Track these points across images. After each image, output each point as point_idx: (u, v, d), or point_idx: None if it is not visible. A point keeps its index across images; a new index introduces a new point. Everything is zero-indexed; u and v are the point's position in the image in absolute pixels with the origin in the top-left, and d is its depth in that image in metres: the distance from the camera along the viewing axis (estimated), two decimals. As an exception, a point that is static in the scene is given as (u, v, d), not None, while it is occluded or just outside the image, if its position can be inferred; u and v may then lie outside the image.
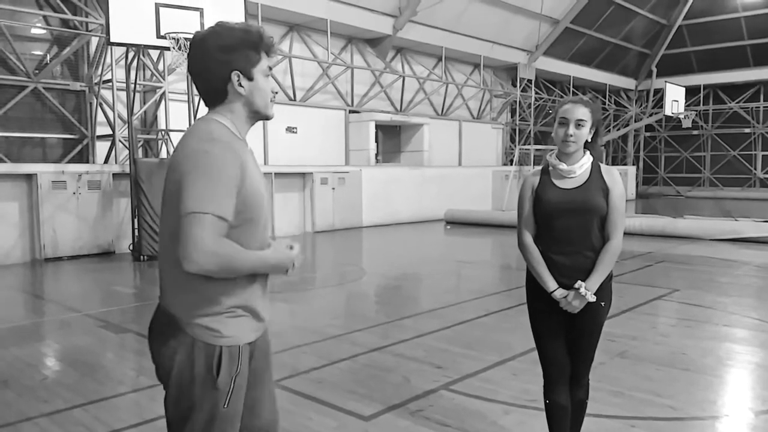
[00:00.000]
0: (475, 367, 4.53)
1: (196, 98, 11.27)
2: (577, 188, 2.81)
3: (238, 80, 1.95)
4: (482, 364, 4.59)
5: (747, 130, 27.67)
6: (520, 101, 21.87)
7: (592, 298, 2.77)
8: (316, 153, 15.80)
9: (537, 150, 20.93)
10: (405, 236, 14.29)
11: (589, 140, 2.84)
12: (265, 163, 14.56)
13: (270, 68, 2.04)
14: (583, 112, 2.79)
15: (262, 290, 2.05)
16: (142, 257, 10.26)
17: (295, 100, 15.52)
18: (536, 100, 22.80)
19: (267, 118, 2.08)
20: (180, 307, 1.88)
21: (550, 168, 2.87)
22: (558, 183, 2.84)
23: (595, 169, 2.83)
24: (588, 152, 2.85)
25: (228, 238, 1.83)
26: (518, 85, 21.60)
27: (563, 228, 2.80)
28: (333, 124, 16.57)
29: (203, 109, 10.09)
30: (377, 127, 17.17)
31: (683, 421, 3.69)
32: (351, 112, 16.93)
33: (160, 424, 3.60)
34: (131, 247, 10.72)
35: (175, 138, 11.50)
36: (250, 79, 1.97)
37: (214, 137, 1.87)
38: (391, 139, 18.97)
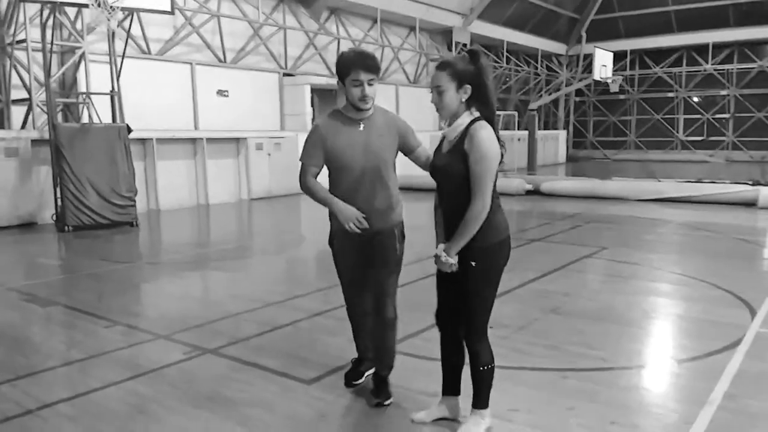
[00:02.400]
0: (417, 327, 4.57)
1: (119, 59, 10.70)
2: (447, 152, 2.83)
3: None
4: (423, 324, 4.62)
5: (670, 95, 28.83)
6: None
7: (450, 262, 2.77)
8: (249, 118, 15.37)
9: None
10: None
11: (466, 99, 2.76)
12: (195, 128, 14.07)
13: (356, 80, 3.12)
14: (438, 77, 2.77)
15: (357, 208, 3.20)
16: (66, 227, 9.77)
17: (225, 61, 14.96)
18: (471, 64, 22.88)
19: (356, 106, 3.19)
20: None
21: None
22: (443, 147, 2.90)
23: (465, 133, 2.75)
24: (470, 113, 2.78)
25: (330, 176, 3.30)
26: (454, 49, 21.62)
27: (442, 191, 2.93)
28: (267, 88, 16.12)
29: (126, 71, 9.76)
30: (313, 90, 16.83)
31: (612, 371, 3.86)
32: (285, 75, 16.51)
33: (94, 398, 3.47)
34: (54, 218, 10.19)
35: (97, 101, 10.90)
36: (343, 83, 3.19)
37: (316, 121, 3.42)
38: (328, 104, 18.64)
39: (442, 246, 2.84)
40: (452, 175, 2.78)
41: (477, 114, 2.79)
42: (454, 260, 2.80)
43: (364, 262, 3.37)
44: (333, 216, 3.30)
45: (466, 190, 2.73)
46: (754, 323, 4.66)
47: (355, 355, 3.74)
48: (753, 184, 12.30)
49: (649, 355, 4.24)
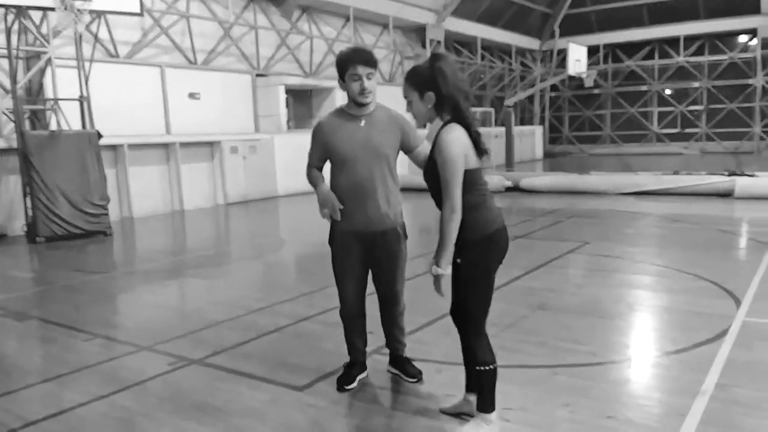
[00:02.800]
0: (407, 328, 4.48)
1: (87, 64, 10.47)
2: (428, 160, 2.86)
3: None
4: (413, 326, 4.56)
5: (644, 88, 29.23)
6: (430, 63, 21.89)
7: (440, 272, 2.77)
8: (223, 120, 15.16)
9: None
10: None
11: (432, 107, 2.77)
12: (167, 132, 13.83)
13: (355, 74, 3.22)
14: (404, 88, 2.84)
15: (354, 209, 3.32)
16: (38, 238, 9.52)
17: (196, 63, 14.74)
18: (446, 62, 22.92)
19: (357, 102, 3.29)
20: None
21: None
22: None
23: (435, 139, 2.77)
24: (440, 119, 2.79)
25: (333, 170, 3.41)
26: (428, 46, 21.63)
27: (433, 198, 2.91)
28: (239, 89, 15.91)
29: (94, 75, 9.52)
30: (287, 91, 16.69)
31: (603, 366, 3.85)
32: (258, 75, 16.33)
33: (79, 413, 3.36)
34: (25, 228, 9.93)
35: (66, 107, 10.65)
36: (343, 80, 3.28)
37: (318, 119, 3.67)
38: (303, 104, 18.53)
39: (432, 260, 2.80)
40: (432, 183, 2.80)
41: (448, 117, 2.77)
42: (445, 270, 2.77)
43: (369, 263, 3.45)
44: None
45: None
46: (739, 313, 4.69)
47: (347, 359, 3.68)
48: (729, 175, 12.49)
49: (637, 348, 4.24)
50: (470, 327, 2.94)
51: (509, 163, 21.95)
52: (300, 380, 3.67)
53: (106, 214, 10.26)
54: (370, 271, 3.51)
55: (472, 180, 2.75)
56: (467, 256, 2.82)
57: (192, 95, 14.48)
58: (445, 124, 2.76)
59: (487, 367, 2.89)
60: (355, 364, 3.61)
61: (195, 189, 13.74)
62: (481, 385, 2.92)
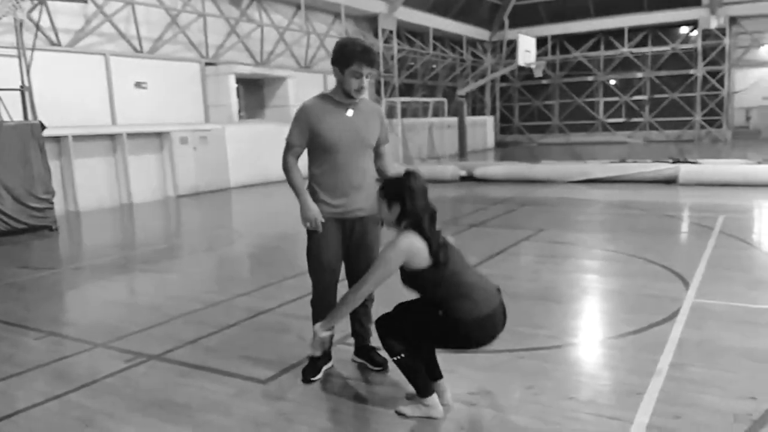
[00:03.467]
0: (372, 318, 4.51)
1: (28, 52, 10.01)
2: None
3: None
4: (375, 314, 4.58)
5: (590, 78, 29.97)
6: (383, 53, 21.90)
7: (318, 331, 3.10)
8: (171, 110, 14.77)
9: (403, 102, 21.21)
10: (278, 196, 13.92)
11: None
12: (113, 123, 13.39)
13: (357, 71, 3.25)
14: (377, 195, 3.11)
15: (333, 191, 3.39)
16: (-19, 234, 9.11)
17: (142, 51, 14.29)
18: (399, 51, 22.97)
19: (348, 95, 3.33)
20: None
21: None
22: None
23: None
24: (399, 229, 3.01)
25: (312, 156, 3.43)
26: (380, 35, 21.59)
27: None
28: (188, 78, 15.53)
29: (36, 65, 9.12)
30: (238, 80, 16.38)
31: (562, 348, 3.95)
32: (207, 64, 15.97)
33: (35, 413, 3.23)
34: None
35: (6, 98, 10.15)
36: (342, 72, 3.28)
37: (303, 102, 3.42)
38: (254, 94, 18.24)
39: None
40: (411, 285, 3.00)
41: (407, 225, 2.95)
42: (319, 332, 3.05)
43: (345, 249, 3.49)
44: (312, 198, 3.40)
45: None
46: (688, 294, 4.88)
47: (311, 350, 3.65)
48: (673, 162, 12.95)
49: (594, 331, 4.36)
50: (392, 332, 2.99)
51: (462, 153, 22.18)
52: (263, 373, 3.62)
53: (51, 209, 9.88)
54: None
55: (434, 278, 2.89)
56: (445, 320, 2.88)
57: (138, 84, 14.05)
58: (400, 233, 2.95)
59: (401, 356, 2.96)
60: (321, 354, 3.58)
61: (144, 181, 13.37)
62: (405, 375, 3.02)
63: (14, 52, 10.19)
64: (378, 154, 3.57)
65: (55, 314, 5.29)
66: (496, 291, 3.03)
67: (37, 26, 11.41)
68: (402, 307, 3.09)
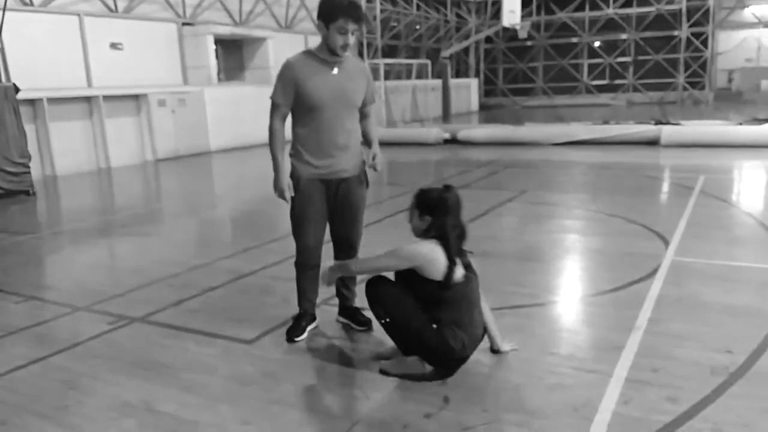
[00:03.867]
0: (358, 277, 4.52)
1: (0, 13, 9.66)
2: None
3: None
4: (359, 278, 4.60)
5: (575, 40, 29.77)
6: (366, 13, 21.46)
7: (331, 265, 3.26)
8: (148, 72, 14.42)
9: (387, 64, 20.92)
10: (258, 159, 13.77)
11: None
12: (89, 86, 13.06)
13: (343, 27, 3.11)
14: (410, 204, 3.13)
15: (318, 152, 3.32)
16: (-44, 199, 8.93)
17: (116, 11, 13.86)
18: (382, 12, 22.55)
19: (333, 52, 3.20)
20: None
21: None
22: None
23: None
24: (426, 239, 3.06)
25: (296, 115, 3.33)
26: (363, -3, 21.14)
27: None
28: (165, 39, 15.13)
29: (9, 26, 8.86)
30: (216, 41, 16.02)
31: (544, 306, 4.01)
32: (184, 24, 15.57)
33: (18, 376, 3.21)
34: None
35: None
36: (326, 27, 3.15)
37: (288, 58, 3.29)
38: (233, 55, 17.86)
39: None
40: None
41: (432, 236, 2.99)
42: (330, 269, 3.19)
43: (330, 210, 3.44)
44: (297, 159, 3.36)
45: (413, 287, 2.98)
46: (668, 252, 4.95)
47: (294, 312, 3.65)
48: (655, 124, 12.99)
49: (575, 289, 4.42)
50: (383, 304, 3.06)
51: (446, 116, 22.08)
52: (248, 334, 3.63)
53: (28, 173, 9.70)
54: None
55: (438, 296, 2.92)
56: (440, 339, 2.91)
57: (114, 45, 13.68)
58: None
59: (386, 320, 3.03)
60: (305, 315, 3.59)
61: (122, 145, 13.15)
62: (390, 336, 3.11)
63: (-15, 11, 9.84)
64: (363, 114, 3.50)
65: (35, 278, 5.23)
66: (479, 338, 3.08)
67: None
68: (401, 285, 3.04)
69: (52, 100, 11.73)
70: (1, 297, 4.59)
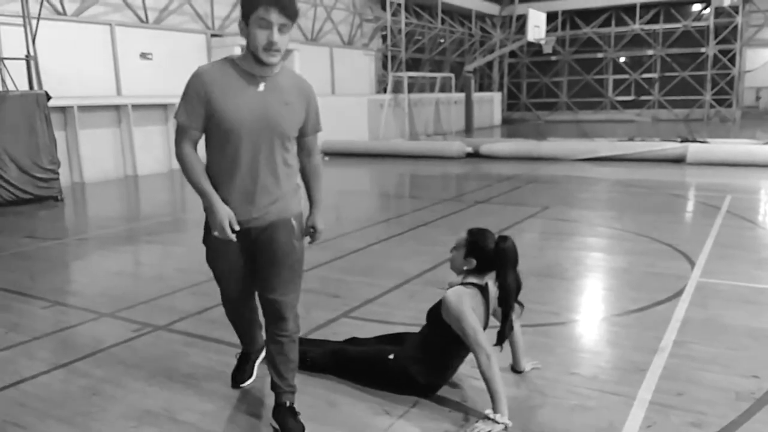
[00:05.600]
0: (373, 293, 4.53)
1: (34, 21, 9.93)
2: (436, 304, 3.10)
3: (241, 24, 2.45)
4: (379, 290, 4.60)
5: (600, 55, 29.61)
6: (390, 26, 21.65)
7: (503, 420, 2.70)
8: (177, 82, 14.48)
9: (410, 77, 20.99)
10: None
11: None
12: (118, 94, 13.31)
13: (264, 19, 2.34)
14: (460, 236, 3.03)
15: (233, 195, 2.55)
16: (-13, 204, 9.14)
17: (147, 22, 14.14)
18: (407, 25, 22.69)
19: (258, 60, 2.43)
20: None
21: None
22: None
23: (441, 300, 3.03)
24: (463, 282, 3.00)
25: (209, 143, 2.56)
26: (388, 8, 21.32)
27: None
28: (193, 50, 15.36)
29: (42, 34, 8.92)
30: (244, 53, 16.23)
31: (565, 325, 3.97)
32: (213, 36, 15.82)
33: (42, 381, 3.27)
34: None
35: (12, 67, 10.11)
36: (246, 24, 2.40)
37: (198, 67, 2.52)
38: (260, 67, 18.06)
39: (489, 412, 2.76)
40: (436, 330, 2.97)
41: (470, 282, 2.92)
42: (505, 420, 2.68)
43: (250, 266, 2.71)
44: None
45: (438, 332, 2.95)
46: (694, 273, 4.87)
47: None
48: (681, 141, 12.84)
49: (598, 308, 4.36)
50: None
51: (468, 129, 22.07)
52: (269, 344, 3.64)
53: (57, 179, 9.89)
54: None
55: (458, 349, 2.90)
56: (408, 370, 2.96)
57: (144, 55, 13.94)
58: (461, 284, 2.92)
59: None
60: (249, 355, 3.19)
61: (149, 153, 13.35)
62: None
63: (20, 21, 10.11)
64: (301, 147, 2.71)
65: (60, 284, 5.32)
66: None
67: (42, -5, 11.28)
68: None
69: (83, 108, 11.98)
70: (27, 302, 4.68)
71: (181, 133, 2.52)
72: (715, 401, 2.86)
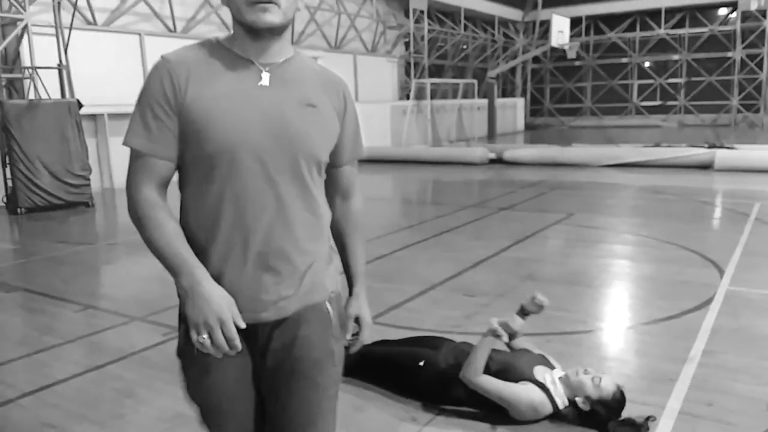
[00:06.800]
0: (398, 299, 4.56)
1: (66, 31, 10.18)
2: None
3: None
4: (405, 296, 4.63)
5: (624, 60, 29.33)
6: (413, 33, 21.72)
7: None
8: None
9: (433, 84, 21.03)
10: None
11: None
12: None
13: None
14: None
15: (228, 269, 1.45)
16: (19, 209, 9.36)
17: (175, 31, 14.41)
18: (429, 32, 22.74)
19: (251, 29, 1.42)
20: None
21: None
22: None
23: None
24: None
25: (190, 176, 1.47)
26: (411, 16, 21.40)
27: None
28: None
29: (73, 44, 9.06)
30: (269, 61, 16.45)
31: (592, 333, 3.95)
32: (240, 45, 16.05)
33: (75, 383, 3.35)
34: (5, 200, 9.74)
35: (44, 76, 10.37)
36: None
37: (162, 56, 1.46)
38: (285, 75, 18.26)
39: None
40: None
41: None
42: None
43: (259, 389, 1.58)
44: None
45: None
46: (723, 281, 4.81)
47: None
48: (709, 147, 12.66)
49: (625, 316, 4.33)
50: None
51: (491, 135, 22.01)
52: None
53: (88, 185, 10.10)
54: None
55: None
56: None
57: (169, 64, 14.18)
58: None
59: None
60: None
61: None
62: None
63: (52, 31, 10.37)
64: (335, 182, 1.65)
65: (92, 288, 5.44)
66: None
67: (75, 6, 11.57)
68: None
69: (113, 116, 12.22)
70: (61, 305, 4.80)
71: (138, 167, 1.45)
72: (745, 411, 2.82)
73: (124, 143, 1.47)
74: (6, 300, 5.09)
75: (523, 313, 2.96)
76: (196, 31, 14.98)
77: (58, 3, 10.06)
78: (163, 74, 1.42)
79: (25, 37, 10.46)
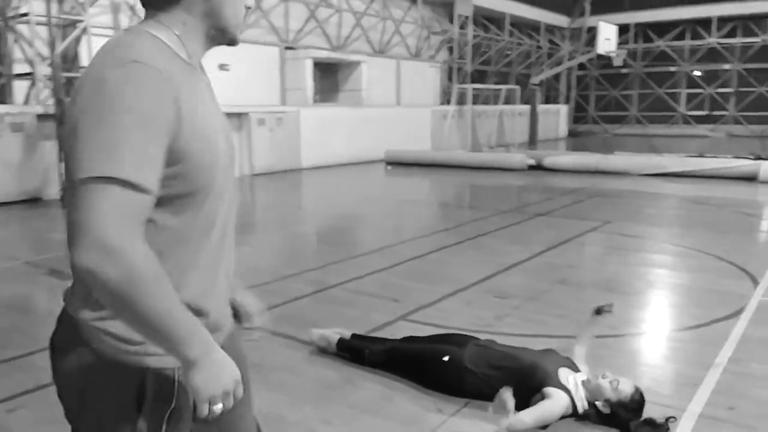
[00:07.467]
0: (430, 298, 4.71)
1: (124, 34, 10.67)
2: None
3: None
4: (436, 296, 4.77)
5: (673, 69, 28.75)
6: (458, 39, 21.81)
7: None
8: (251, 92, 15.33)
9: (475, 89, 21.08)
10: (346, 177, 14.30)
11: None
12: (199, 104, 14.03)
13: None
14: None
15: (221, 299, 1.37)
16: (75, 203, 9.85)
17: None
18: (474, 38, 22.79)
19: (232, 42, 1.38)
20: (78, 303, 1.27)
21: None
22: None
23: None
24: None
25: (170, 204, 1.18)
26: (455, 21, 21.49)
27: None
28: (268, 62, 16.05)
29: None
30: (314, 64, 16.79)
31: (622, 338, 4.01)
32: (287, 48, 16.45)
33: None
34: (61, 194, 10.26)
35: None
36: None
37: (135, 58, 1.11)
38: (329, 78, 18.62)
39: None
40: None
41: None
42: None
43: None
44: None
45: None
46: (756, 292, 4.80)
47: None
48: (754, 159, 12.40)
49: (655, 322, 4.38)
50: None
51: (532, 141, 21.90)
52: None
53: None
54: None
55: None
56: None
57: (222, 66, 14.64)
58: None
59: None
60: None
61: (223, 159, 13.97)
62: None
63: (110, 32, 10.89)
64: None
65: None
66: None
67: (132, 8, 12.11)
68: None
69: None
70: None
71: (125, 208, 1.07)
72: (766, 416, 2.88)
73: (107, 174, 1.05)
74: (62, 287, 5.40)
75: (598, 312, 3.46)
76: (246, 34, 15.20)
77: (117, 5, 10.55)
78: (162, 87, 1.13)
79: (84, 38, 11.01)
